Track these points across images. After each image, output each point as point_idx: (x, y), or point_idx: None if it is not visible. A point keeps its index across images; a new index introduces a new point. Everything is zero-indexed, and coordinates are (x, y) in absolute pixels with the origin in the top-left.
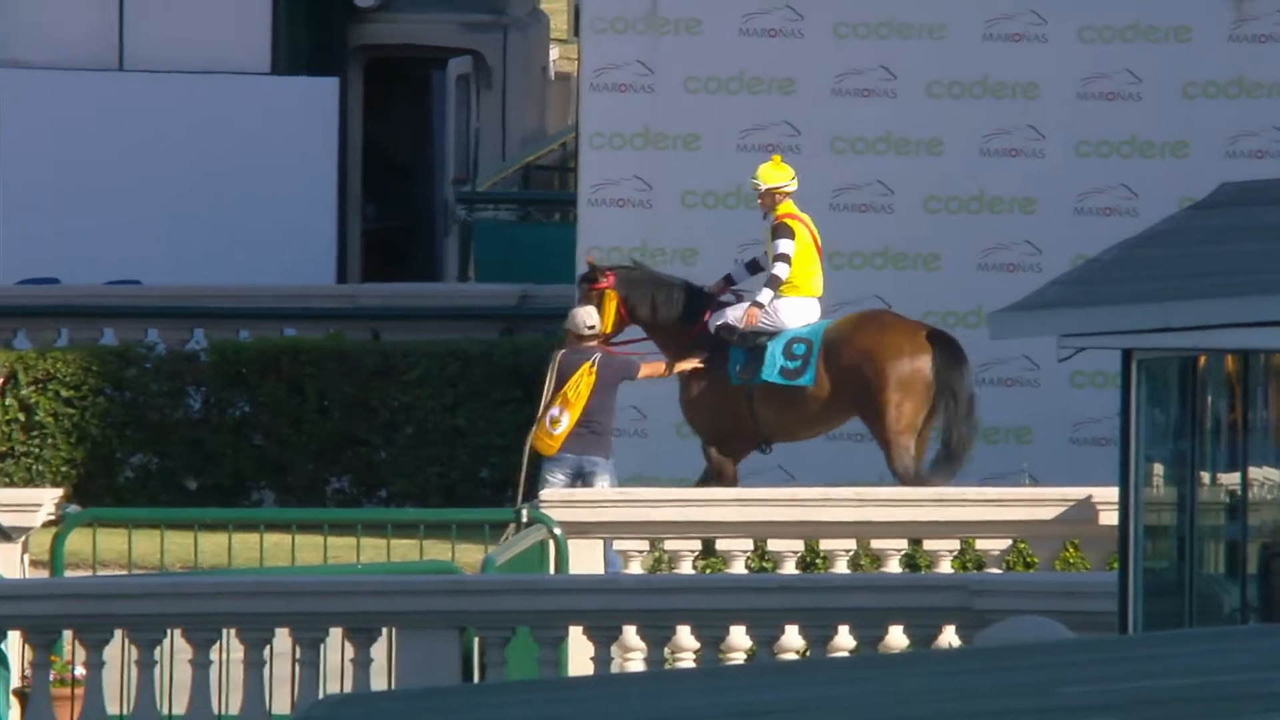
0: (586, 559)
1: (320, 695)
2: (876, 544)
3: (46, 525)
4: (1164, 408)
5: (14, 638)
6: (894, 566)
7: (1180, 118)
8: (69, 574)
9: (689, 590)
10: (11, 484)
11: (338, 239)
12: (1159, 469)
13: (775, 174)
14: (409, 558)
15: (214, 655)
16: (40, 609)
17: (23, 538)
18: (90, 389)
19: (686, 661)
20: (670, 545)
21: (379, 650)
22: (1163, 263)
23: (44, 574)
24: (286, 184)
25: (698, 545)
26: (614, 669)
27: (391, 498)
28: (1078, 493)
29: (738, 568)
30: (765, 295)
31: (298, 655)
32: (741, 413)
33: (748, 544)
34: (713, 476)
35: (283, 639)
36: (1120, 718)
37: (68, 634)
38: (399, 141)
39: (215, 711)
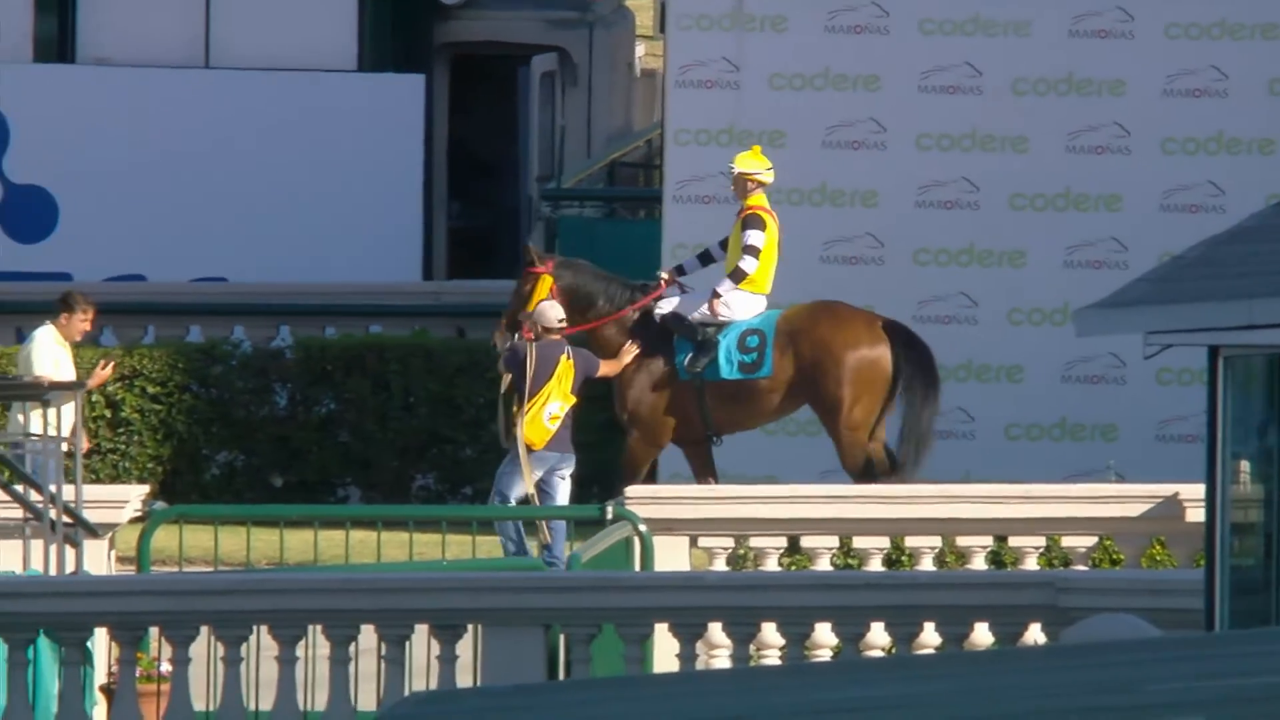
0: (672, 556)
1: (405, 692)
2: (962, 541)
3: (133, 522)
4: (1251, 405)
5: (100, 634)
6: (979, 564)
7: (1267, 114)
8: (155, 570)
9: (774, 587)
10: (98, 480)
11: (423, 236)
12: (1246, 466)
13: (752, 161)
14: (494, 554)
15: (300, 652)
16: (126, 605)
17: (109, 534)
18: (176, 386)
19: (771, 659)
20: (756, 542)
21: (464, 647)
22: (1249, 259)
23: (130, 570)
24: (372, 181)
25: (783, 542)
26: (699, 666)
27: (476, 494)
28: (1164, 490)
29: (823, 565)
30: (725, 285)
31: (383, 652)
32: (689, 406)
33: (833, 541)
34: (635, 474)
35: (368, 635)
36: (1207, 715)
37: (154, 631)
38: (484, 138)
39: (301, 708)
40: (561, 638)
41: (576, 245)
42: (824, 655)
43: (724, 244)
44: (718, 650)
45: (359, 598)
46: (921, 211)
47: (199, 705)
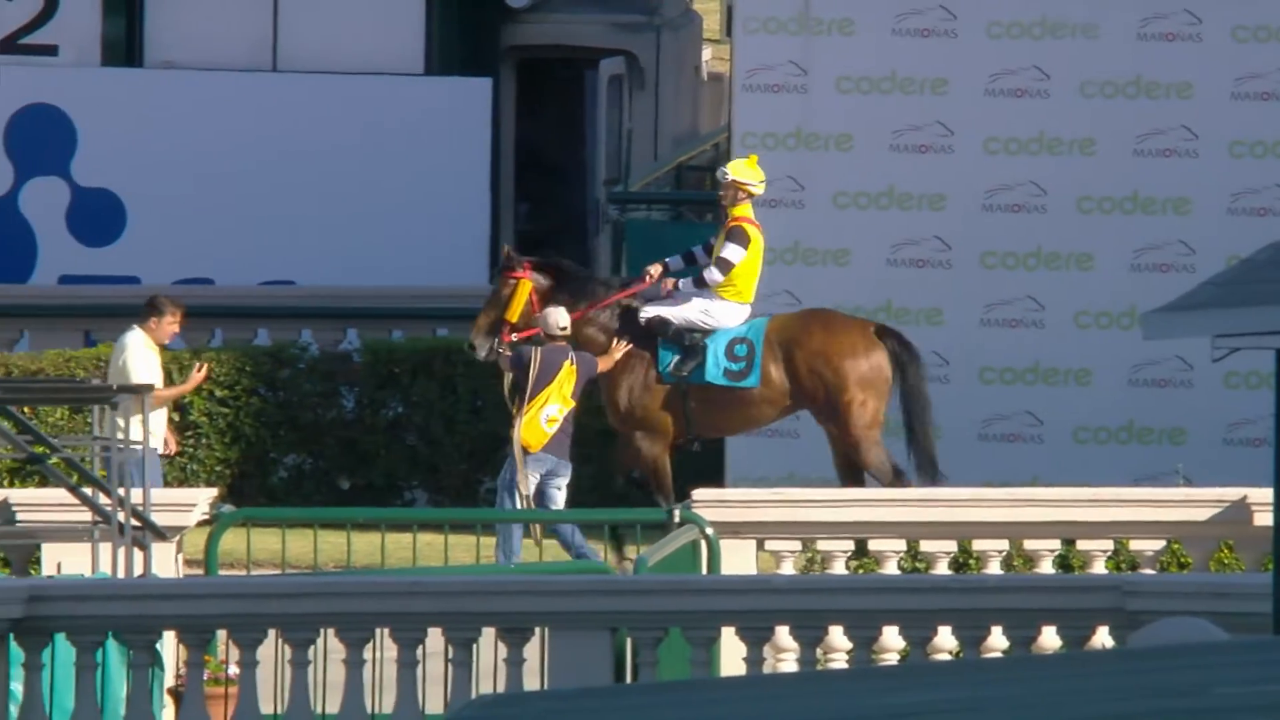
0: (738, 559)
1: (473, 695)
2: (1030, 544)
3: (201, 525)
4: None
5: (168, 637)
6: (1047, 567)
7: None
8: (223, 573)
9: (841, 590)
10: (166, 484)
11: (490, 239)
12: None
13: (746, 171)
14: (562, 558)
15: (367, 655)
16: (194, 608)
17: (177, 537)
18: (244, 389)
19: (838, 662)
20: (823, 545)
21: (531, 650)
22: None
23: (198, 573)
24: (439, 184)
25: (850, 545)
26: (766, 670)
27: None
28: (1232, 493)
29: (890, 568)
30: (686, 285)
31: (450, 655)
32: (675, 409)
33: (900, 544)
34: (662, 475)
35: (435, 638)
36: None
37: (222, 633)
38: (551, 142)
39: (368, 711)
40: (628, 641)
41: (643, 248)
42: (891, 659)
43: (708, 248)
44: (784, 654)
45: (426, 601)
46: (989, 215)
47: (266, 708)
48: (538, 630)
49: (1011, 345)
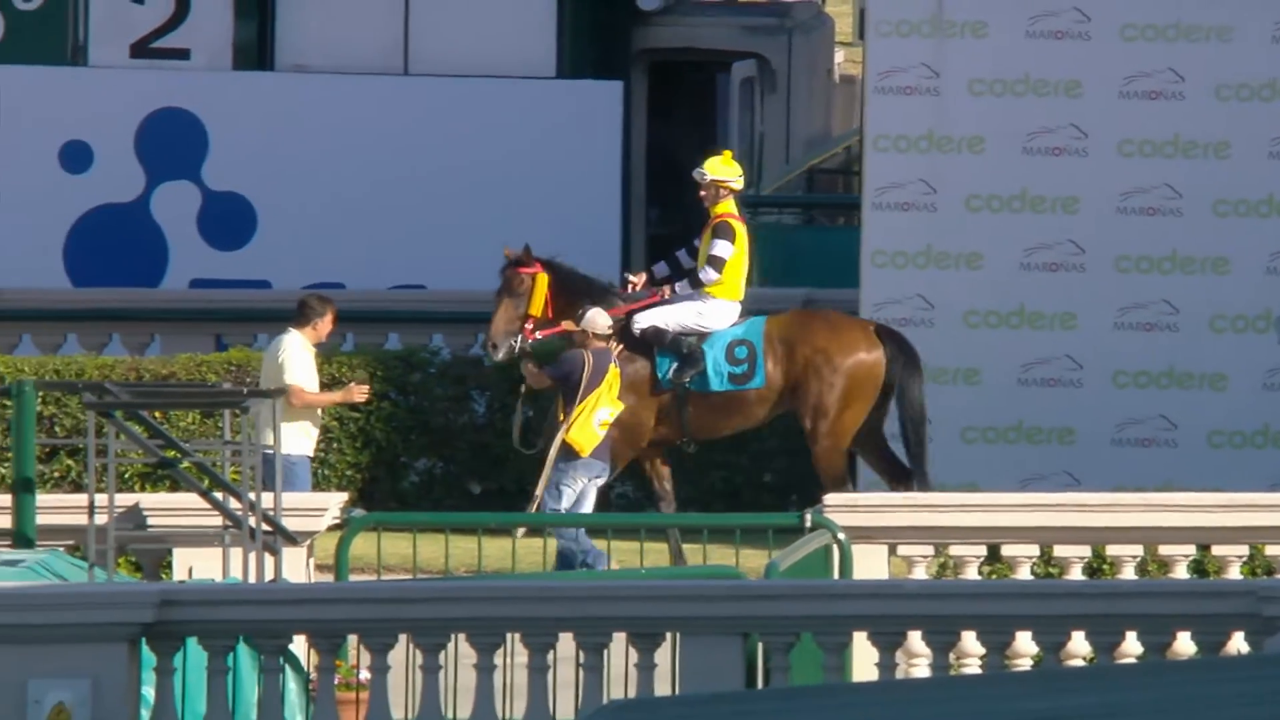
0: (870, 564)
1: (603, 700)
2: (1164, 550)
3: (331, 529)
4: None
5: (299, 642)
6: (1181, 572)
7: None
8: (353, 578)
9: (974, 596)
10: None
11: (621, 243)
12: None
13: (723, 168)
14: (692, 562)
15: (498, 660)
16: (325, 613)
17: (308, 542)
18: (375, 394)
19: (971, 667)
20: (955, 550)
21: (663, 656)
22: None
23: (329, 578)
24: (570, 188)
25: (983, 550)
26: (898, 675)
27: (675, 502)
28: None
29: (1023, 573)
30: (682, 287)
31: (581, 660)
32: (669, 414)
33: (1033, 550)
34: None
35: (566, 643)
36: None
37: (352, 639)
38: (683, 145)
39: (499, 716)
40: (760, 646)
41: (775, 252)
42: (1024, 664)
43: (692, 251)
44: (917, 659)
45: (557, 605)
46: (1123, 218)
47: (397, 713)
48: (669, 635)
49: (1146, 349)
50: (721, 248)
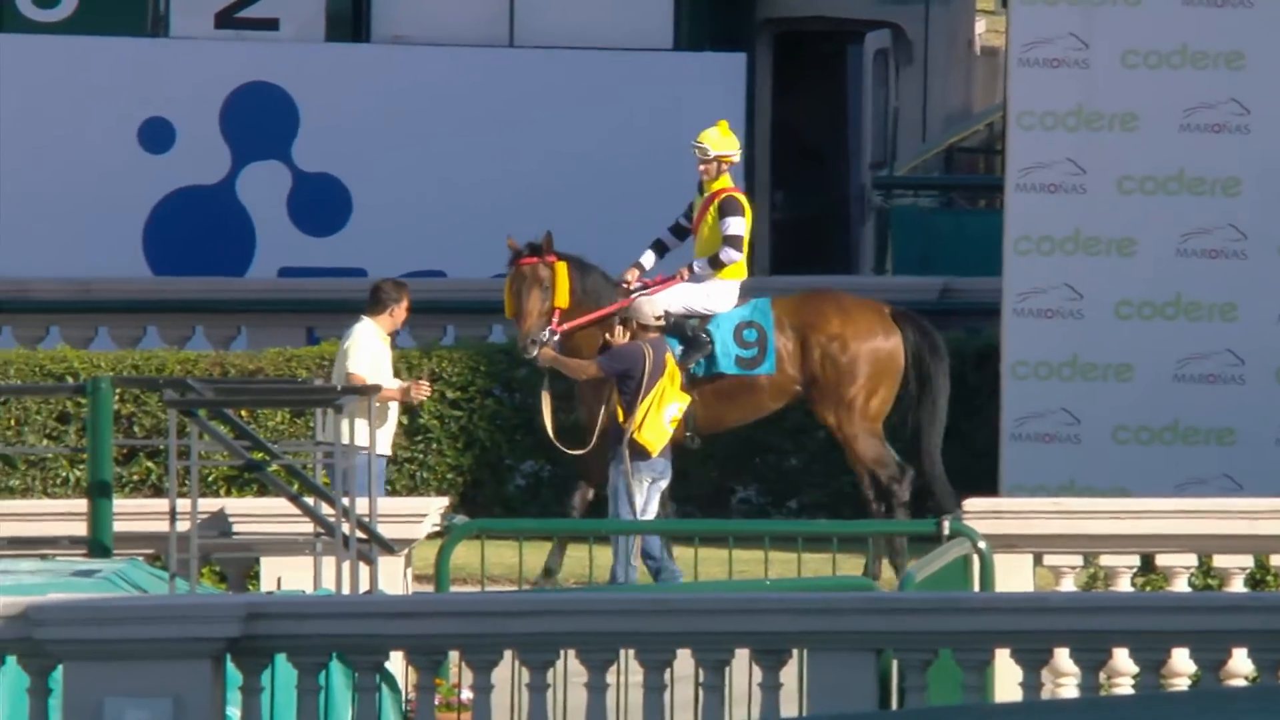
0: (1014, 575)
1: None
2: None
3: (431, 537)
4: None
5: (397, 658)
6: None
7: None
8: (455, 589)
9: (1127, 610)
10: (394, 492)
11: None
12: None
13: (724, 141)
14: (821, 573)
15: (610, 678)
16: (424, 628)
17: (406, 550)
18: (478, 390)
19: (1123, 687)
20: (1106, 560)
21: (789, 674)
22: None
23: (428, 589)
24: (688, 170)
25: (1136, 560)
26: (1044, 695)
27: (802, 508)
28: None
29: (1180, 585)
30: (703, 269)
31: (701, 678)
32: None
33: (1191, 559)
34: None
35: (685, 660)
36: None
37: (454, 655)
38: (811, 123)
39: None
40: (894, 663)
41: (911, 237)
42: (1181, 684)
43: (677, 230)
44: (1064, 678)
45: (674, 619)
46: None
47: None
48: (796, 652)
49: None
50: (736, 225)
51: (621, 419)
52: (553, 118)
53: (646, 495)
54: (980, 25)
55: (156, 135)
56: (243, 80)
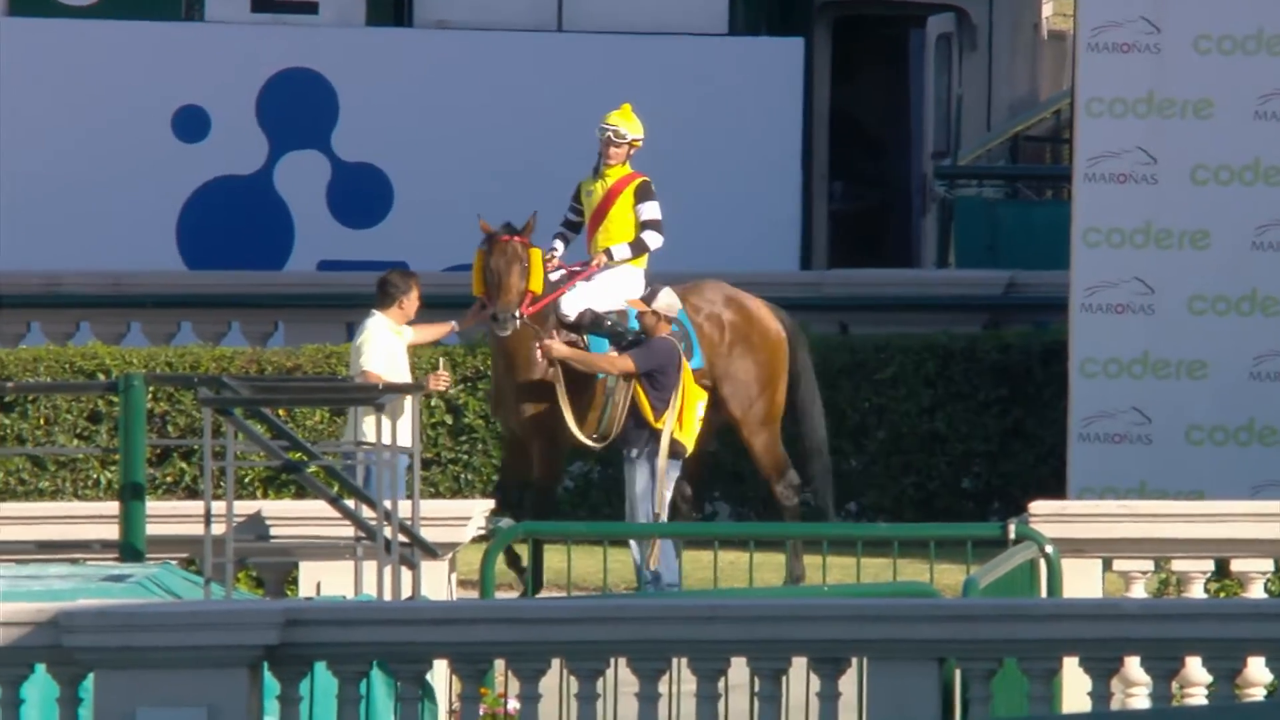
0: (1082, 581)
1: None
2: None
3: (476, 541)
4: None
5: (440, 666)
6: None
7: None
8: (500, 596)
9: (1200, 617)
10: (437, 494)
11: (801, 220)
12: None
13: (636, 125)
14: (881, 578)
15: (662, 687)
16: (469, 635)
17: (449, 555)
18: None
19: (1197, 697)
20: (1179, 565)
21: (848, 683)
22: None
23: (473, 595)
24: (743, 158)
25: (1209, 566)
26: (1114, 705)
27: (862, 511)
28: None
29: (1255, 591)
30: (620, 251)
31: (756, 688)
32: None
33: (1267, 565)
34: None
35: (739, 669)
36: None
37: (499, 663)
38: (871, 110)
39: None
40: (957, 673)
41: (975, 230)
42: (1256, 694)
43: (572, 226)
44: (1135, 688)
45: (729, 627)
46: None
47: None
48: (855, 660)
49: None
50: (656, 209)
51: (653, 418)
52: (603, 106)
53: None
54: (1047, 9)
55: (191, 123)
56: (280, 66)
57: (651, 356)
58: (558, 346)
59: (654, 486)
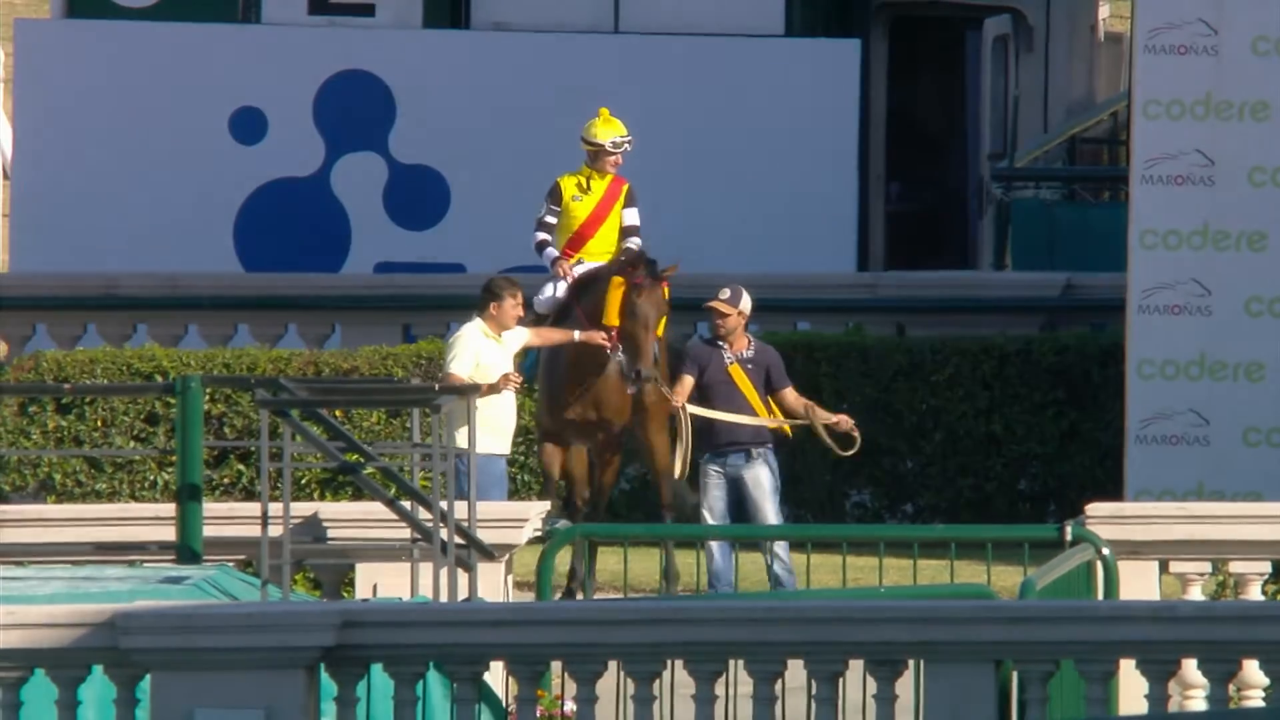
0: (1139, 583)
1: None
2: None
3: (532, 542)
4: None
5: (496, 669)
6: None
7: None
8: (557, 597)
9: (1257, 619)
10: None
11: (858, 221)
12: None
13: (619, 131)
14: (938, 580)
15: (719, 690)
16: (525, 637)
17: (506, 556)
18: None
19: (1254, 699)
20: (1236, 568)
21: (904, 686)
22: None
23: (529, 597)
24: (800, 159)
25: (1267, 568)
26: (1171, 708)
27: (918, 513)
28: None
29: None
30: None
31: (813, 690)
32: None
33: None
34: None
35: (796, 671)
36: None
37: (556, 665)
38: (927, 111)
39: None
40: (1014, 675)
41: (1031, 231)
42: None
43: (549, 227)
44: (1193, 690)
45: (785, 629)
46: None
47: None
48: (911, 663)
49: None
50: (638, 214)
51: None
52: (659, 107)
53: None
54: (1104, 10)
55: (248, 125)
56: (337, 69)
57: (760, 360)
58: (695, 410)
59: (778, 484)
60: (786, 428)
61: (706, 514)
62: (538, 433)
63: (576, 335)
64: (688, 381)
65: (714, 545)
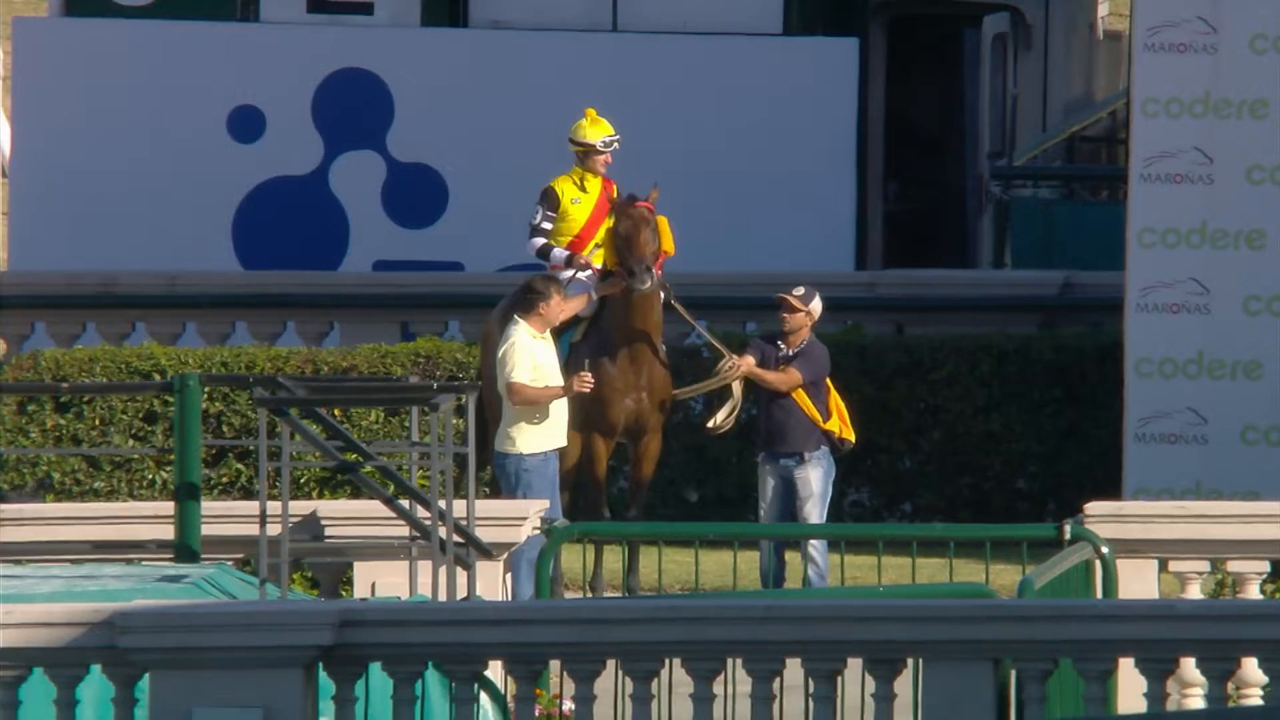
0: (1138, 582)
1: None
2: None
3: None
4: None
5: (495, 667)
6: None
7: None
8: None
9: (1256, 618)
10: (492, 494)
11: (856, 220)
12: None
13: (609, 130)
14: (936, 579)
15: (717, 688)
16: (524, 635)
17: (504, 555)
18: None
19: (1253, 698)
20: (1234, 567)
21: (903, 684)
22: None
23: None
24: (798, 158)
25: (1265, 567)
26: (1170, 706)
27: (916, 512)
28: None
29: None
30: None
31: (811, 689)
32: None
33: None
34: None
35: (794, 670)
36: None
37: (554, 664)
38: (926, 110)
39: None
40: (1012, 674)
41: (1030, 230)
42: None
43: (546, 233)
44: (1191, 689)
45: (783, 627)
46: None
47: None
48: (910, 661)
49: None
50: None
51: (821, 420)
52: (657, 106)
53: None
54: (1103, 8)
55: (246, 124)
56: (335, 67)
57: (815, 366)
58: (748, 365)
59: (829, 488)
60: (848, 433)
61: (762, 515)
62: (581, 429)
63: (591, 295)
64: (750, 358)
65: (763, 544)
